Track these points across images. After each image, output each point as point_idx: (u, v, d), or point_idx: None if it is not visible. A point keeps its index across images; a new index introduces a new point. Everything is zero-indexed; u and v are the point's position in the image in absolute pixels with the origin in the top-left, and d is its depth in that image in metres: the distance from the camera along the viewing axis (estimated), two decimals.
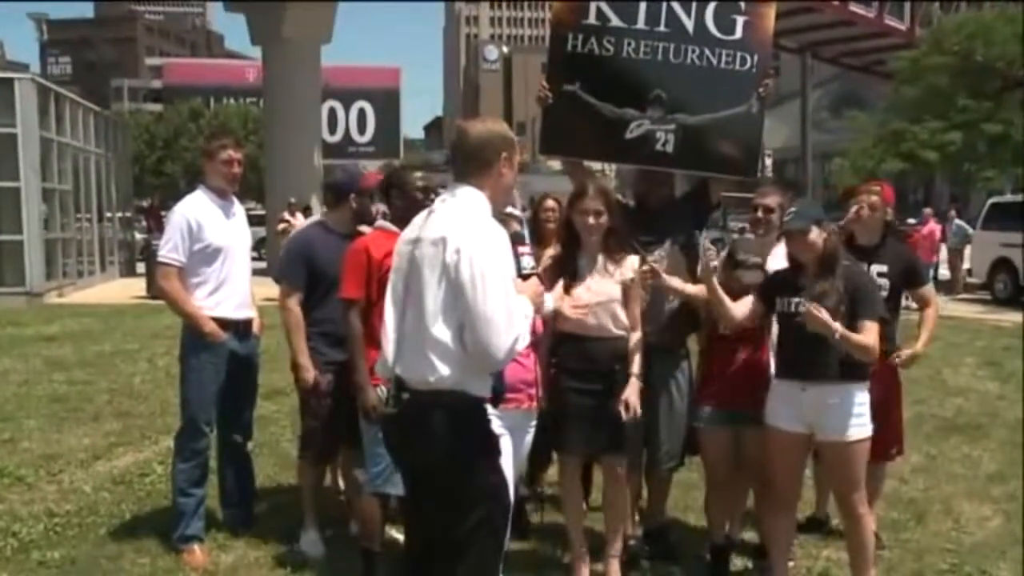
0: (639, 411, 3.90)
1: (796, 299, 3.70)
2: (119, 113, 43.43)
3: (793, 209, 3.85)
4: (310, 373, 4.32)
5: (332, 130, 39.17)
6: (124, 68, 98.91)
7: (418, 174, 4.03)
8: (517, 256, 2.97)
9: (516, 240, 3.02)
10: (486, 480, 2.76)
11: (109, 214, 21.16)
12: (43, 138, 16.59)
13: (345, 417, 4.25)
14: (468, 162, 2.82)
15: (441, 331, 2.67)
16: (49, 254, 16.92)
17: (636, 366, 3.96)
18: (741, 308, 3.90)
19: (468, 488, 2.73)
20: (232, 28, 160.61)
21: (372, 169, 5.06)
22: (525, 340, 2.75)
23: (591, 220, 3.96)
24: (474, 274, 2.60)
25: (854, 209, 4.49)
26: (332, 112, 38.72)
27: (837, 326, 3.52)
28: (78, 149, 18.94)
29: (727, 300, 3.87)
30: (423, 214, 2.89)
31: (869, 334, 3.62)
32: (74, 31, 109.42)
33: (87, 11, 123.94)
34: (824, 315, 3.50)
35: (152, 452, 6.25)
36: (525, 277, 2.99)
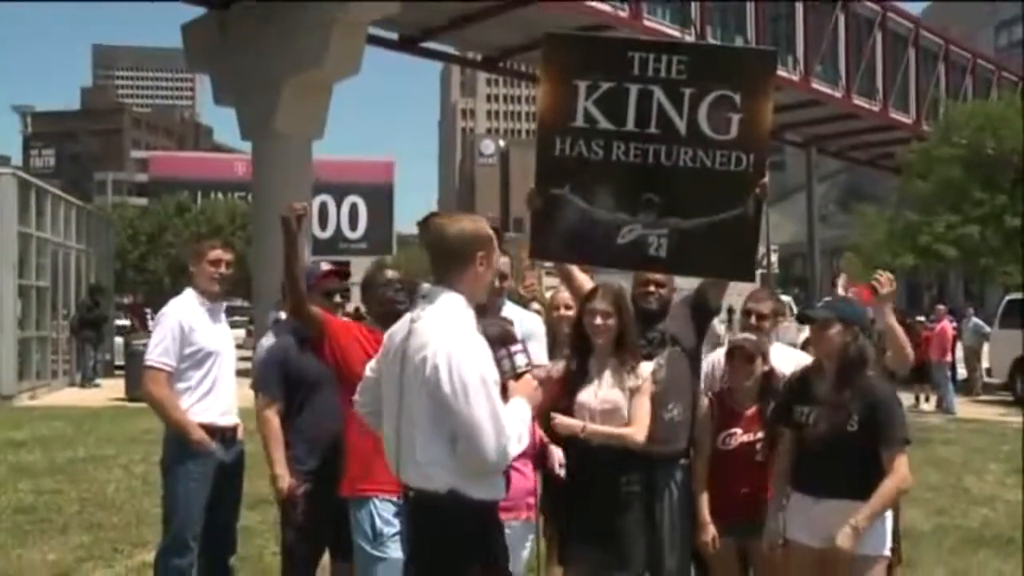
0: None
1: (807, 408, 3.73)
2: (102, 207, 43.86)
3: (827, 299, 3.86)
4: (284, 482, 4.30)
5: (323, 226, 39.58)
6: (109, 160, 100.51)
7: (388, 272, 4.11)
8: (511, 355, 2.98)
9: (507, 339, 3.02)
10: None
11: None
12: (21, 233, 16.77)
13: (326, 526, 4.23)
14: (447, 262, 2.92)
15: (434, 443, 2.79)
16: (22, 354, 16.87)
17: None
18: None
19: None
20: (222, 121, 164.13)
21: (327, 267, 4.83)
22: (525, 442, 2.80)
23: (599, 321, 3.98)
24: (455, 387, 2.71)
25: None
26: (323, 207, 39.16)
27: (857, 520, 3.51)
28: (58, 244, 19.13)
29: None
30: (405, 322, 2.95)
31: (894, 474, 3.57)
32: (60, 123, 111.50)
33: (74, 102, 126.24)
34: (849, 542, 3.50)
35: (123, 567, 6.12)
36: (519, 376, 2.99)
